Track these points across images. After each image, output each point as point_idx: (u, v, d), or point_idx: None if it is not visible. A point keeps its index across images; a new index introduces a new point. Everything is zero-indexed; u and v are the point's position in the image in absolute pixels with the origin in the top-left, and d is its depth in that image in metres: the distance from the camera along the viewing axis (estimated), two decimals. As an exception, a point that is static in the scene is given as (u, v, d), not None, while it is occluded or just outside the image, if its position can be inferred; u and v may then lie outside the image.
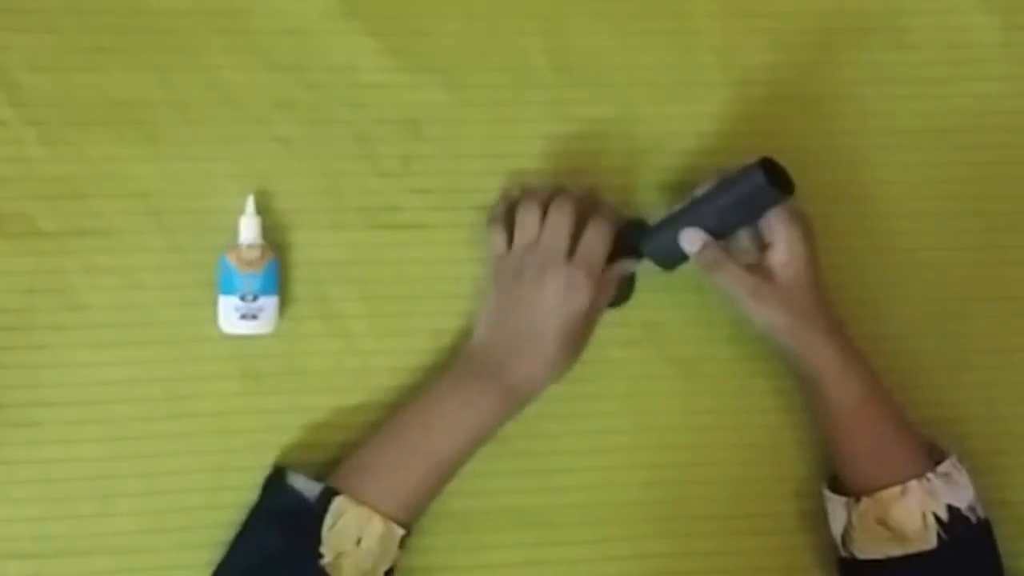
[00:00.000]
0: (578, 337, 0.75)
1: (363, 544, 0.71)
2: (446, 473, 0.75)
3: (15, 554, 0.76)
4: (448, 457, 0.74)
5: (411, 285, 0.80)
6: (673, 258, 0.77)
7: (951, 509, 0.73)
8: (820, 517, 0.79)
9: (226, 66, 0.80)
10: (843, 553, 0.77)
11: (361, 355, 0.80)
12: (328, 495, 0.72)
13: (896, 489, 0.73)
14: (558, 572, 0.80)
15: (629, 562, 0.80)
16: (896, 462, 0.75)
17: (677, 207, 0.77)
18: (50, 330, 0.77)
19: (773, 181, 0.72)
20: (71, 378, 0.77)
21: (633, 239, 0.78)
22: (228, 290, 0.76)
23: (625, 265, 0.78)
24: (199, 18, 0.79)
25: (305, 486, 0.73)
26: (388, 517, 0.72)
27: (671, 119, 0.83)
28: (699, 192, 0.76)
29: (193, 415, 0.78)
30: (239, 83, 0.80)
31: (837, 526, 0.77)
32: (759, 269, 0.75)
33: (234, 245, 0.77)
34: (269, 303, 0.77)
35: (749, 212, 0.75)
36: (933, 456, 0.75)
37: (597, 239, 0.75)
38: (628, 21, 0.83)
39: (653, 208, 0.81)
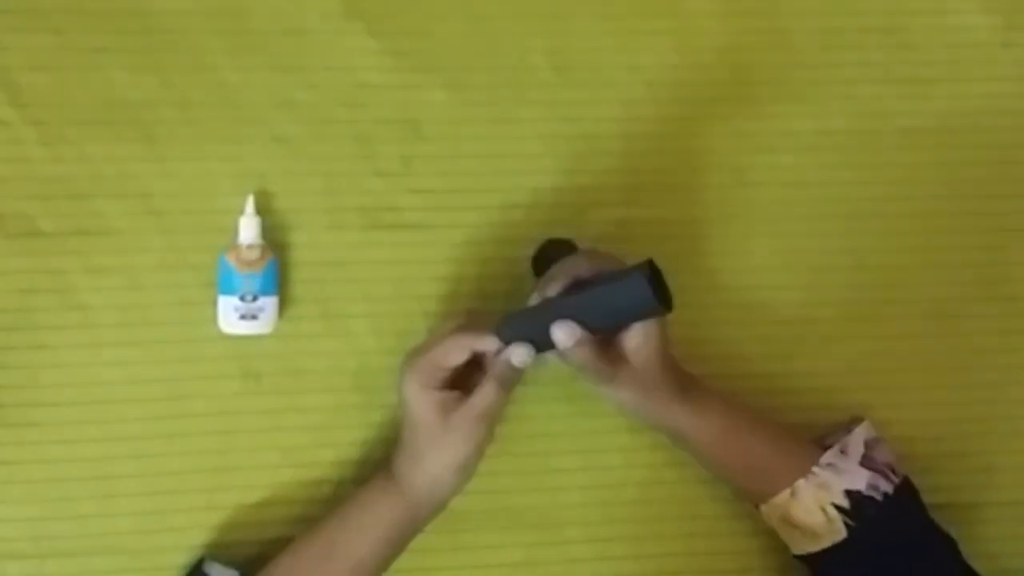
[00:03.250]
0: (435, 445, 0.71)
1: None
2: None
3: (14, 554, 0.76)
4: (365, 559, 0.73)
5: (411, 285, 0.80)
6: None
7: (850, 494, 0.73)
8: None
9: (226, 66, 0.80)
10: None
11: (361, 355, 0.80)
12: None
13: (786, 492, 0.74)
14: (557, 572, 0.80)
15: (628, 562, 0.81)
16: (776, 470, 0.75)
17: (545, 297, 0.71)
18: (50, 330, 0.77)
19: (656, 292, 0.67)
20: (70, 378, 0.77)
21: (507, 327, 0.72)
22: (228, 290, 0.76)
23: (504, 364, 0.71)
24: (199, 18, 0.79)
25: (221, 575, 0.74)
26: None
27: (671, 119, 0.83)
28: (553, 289, 0.70)
29: (193, 415, 0.78)
30: (239, 83, 0.80)
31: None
32: (613, 353, 0.72)
33: (234, 245, 0.77)
34: (269, 303, 0.77)
35: (621, 317, 0.70)
36: (815, 452, 0.75)
37: (443, 343, 0.71)
38: (628, 21, 0.83)
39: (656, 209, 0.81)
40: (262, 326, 0.77)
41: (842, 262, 0.84)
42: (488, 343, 0.71)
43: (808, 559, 0.76)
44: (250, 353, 0.79)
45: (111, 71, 0.79)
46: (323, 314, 0.80)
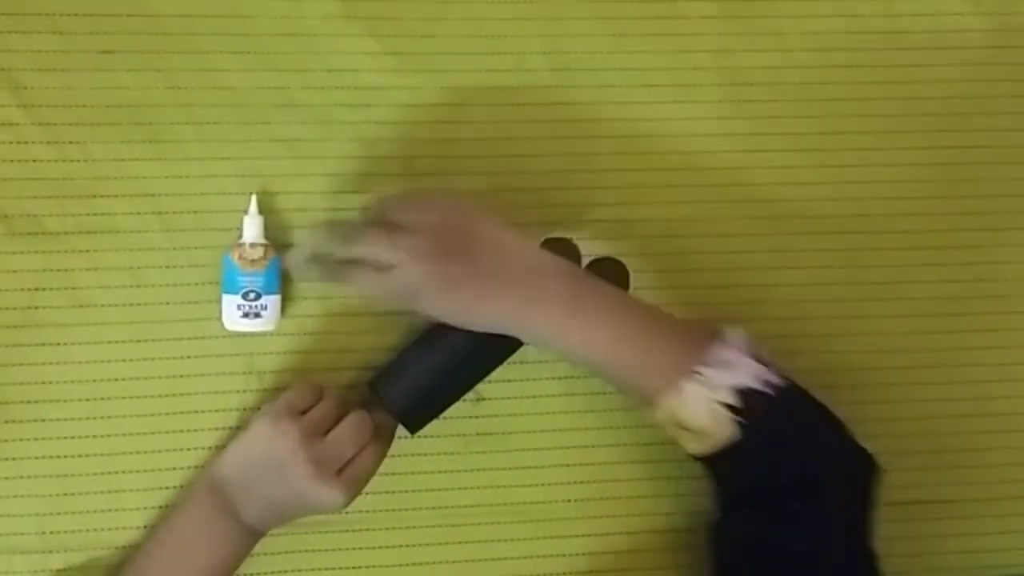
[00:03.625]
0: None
1: None
2: None
3: (20, 549, 0.77)
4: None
5: (412, 284, 0.81)
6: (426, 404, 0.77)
7: (739, 391, 0.69)
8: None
9: (230, 69, 0.80)
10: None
11: (362, 353, 0.80)
12: None
13: (672, 393, 0.70)
14: (557, 565, 0.81)
15: (625, 556, 0.81)
16: (660, 369, 0.70)
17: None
18: (56, 328, 0.78)
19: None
20: (76, 375, 0.78)
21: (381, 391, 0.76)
22: (231, 288, 0.77)
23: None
24: (203, 21, 0.80)
25: None
26: None
27: (669, 120, 0.84)
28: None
29: (197, 412, 0.79)
30: (242, 85, 0.80)
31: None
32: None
33: (237, 244, 0.78)
34: (272, 301, 0.78)
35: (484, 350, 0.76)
36: (701, 349, 0.70)
37: (346, 433, 0.73)
38: (626, 24, 0.84)
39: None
40: (265, 324, 0.78)
41: (837, 261, 0.84)
42: (384, 421, 0.75)
43: (704, 460, 0.72)
44: (253, 350, 0.79)
45: (117, 73, 0.79)
46: (325, 312, 0.80)
